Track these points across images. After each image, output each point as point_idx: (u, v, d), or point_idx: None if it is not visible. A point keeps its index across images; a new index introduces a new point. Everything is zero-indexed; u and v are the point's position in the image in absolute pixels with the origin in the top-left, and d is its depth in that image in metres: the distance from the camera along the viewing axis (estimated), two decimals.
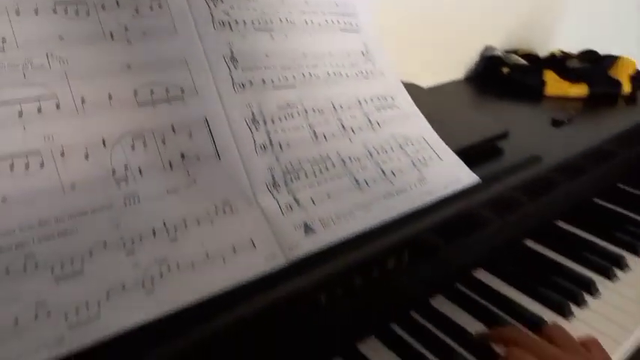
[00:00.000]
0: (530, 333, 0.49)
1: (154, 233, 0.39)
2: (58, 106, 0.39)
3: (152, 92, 0.43)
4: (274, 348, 0.44)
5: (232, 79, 0.48)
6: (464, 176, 0.56)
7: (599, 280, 0.60)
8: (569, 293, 0.57)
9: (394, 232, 0.48)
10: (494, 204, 0.58)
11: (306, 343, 0.47)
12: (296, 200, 0.47)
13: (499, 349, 0.49)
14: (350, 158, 0.52)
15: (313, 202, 0.47)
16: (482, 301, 0.56)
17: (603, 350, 0.45)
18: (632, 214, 0.74)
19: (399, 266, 0.51)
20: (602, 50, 0.96)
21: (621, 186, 0.83)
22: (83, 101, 0.40)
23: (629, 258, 0.64)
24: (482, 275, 0.61)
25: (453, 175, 0.56)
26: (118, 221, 0.38)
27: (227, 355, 0.39)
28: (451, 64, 0.99)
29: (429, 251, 0.54)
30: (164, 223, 0.40)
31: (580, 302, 0.56)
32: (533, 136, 0.71)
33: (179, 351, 0.36)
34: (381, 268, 0.49)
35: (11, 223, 0.34)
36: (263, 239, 0.43)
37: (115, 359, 0.34)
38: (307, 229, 0.45)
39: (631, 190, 0.82)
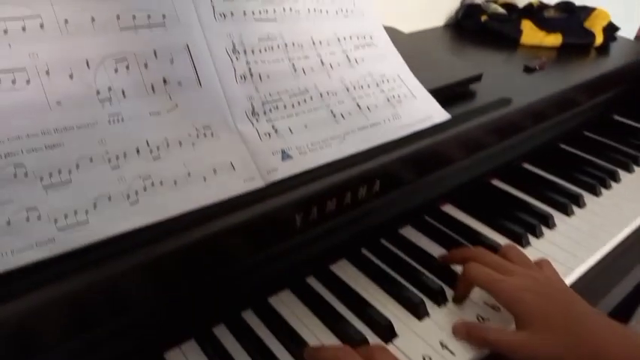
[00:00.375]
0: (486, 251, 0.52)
1: (138, 151, 0.41)
2: (42, 26, 0.40)
3: (134, 17, 0.44)
4: (250, 267, 0.47)
5: (213, 8, 0.49)
6: (436, 113, 0.59)
7: (557, 215, 0.64)
8: (528, 225, 0.61)
9: (366, 162, 0.51)
10: (463, 141, 0.61)
11: (283, 262, 0.50)
12: (274, 128, 0.49)
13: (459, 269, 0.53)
14: (327, 92, 0.54)
15: (291, 131, 0.50)
16: (448, 231, 0.60)
17: (553, 268, 0.49)
18: (594, 159, 0.78)
19: (370, 195, 0.54)
20: (579, 1, 0.98)
21: (587, 133, 0.87)
22: (66, 22, 0.41)
23: (587, 197, 0.69)
24: (449, 209, 0.65)
25: (425, 112, 0.59)
26: (102, 138, 0.40)
27: (205, 266, 0.43)
28: (432, 12, 1.00)
29: (399, 183, 0.57)
30: (147, 143, 0.42)
31: (538, 234, 0.61)
32: (505, 81, 0.74)
33: (156, 260, 0.38)
34: (353, 195, 0.52)
35: (0, 133, 0.36)
36: (242, 163, 0.46)
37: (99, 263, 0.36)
38: (284, 155, 0.48)
39: (596, 137, 0.86)
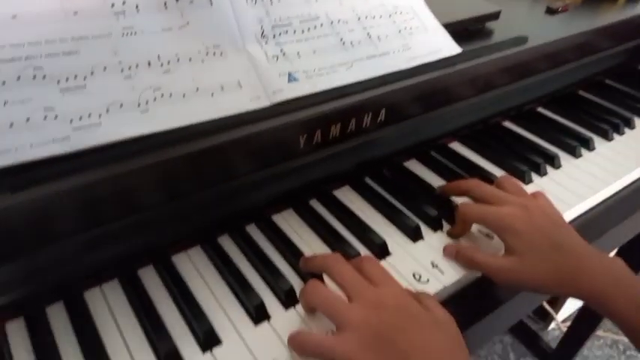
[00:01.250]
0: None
1: (149, 64, 0.43)
2: None
3: None
4: (255, 183, 0.50)
5: None
6: (446, 47, 0.59)
7: (563, 157, 0.65)
8: (532, 164, 0.62)
9: (372, 89, 0.52)
10: (473, 78, 0.61)
11: (287, 183, 0.52)
12: (282, 52, 0.50)
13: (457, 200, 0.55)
14: (338, 20, 0.55)
15: (299, 56, 0.51)
16: (452, 166, 0.61)
17: (548, 199, 0.50)
18: (611, 106, 0.77)
19: (375, 125, 0.55)
20: None
21: (609, 82, 0.85)
22: None
23: (598, 141, 0.69)
24: (456, 146, 0.66)
25: (436, 45, 0.59)
26: (116, 49, 0.42)
27: (209, 176, 0.45)
28: None
29: (405, 115, 0.58)
30: (158, 57, 0.44)
31: (542, 172, 0.61)
32: (525, 21, 0.73)
33: (161, 164, 0.41)
34: (358, 123, 0.53)
35: (21, 37, 0.38)
36: (249, 82, 0.47)
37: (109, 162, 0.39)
38: (291, 77, 0.49)
39: (617, 85, 0.84)
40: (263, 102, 0.47)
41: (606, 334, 1.45)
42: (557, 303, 1.41)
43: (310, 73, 0.50)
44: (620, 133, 0.71)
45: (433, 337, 0.36)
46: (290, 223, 0.52)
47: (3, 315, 0.40)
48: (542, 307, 1.42)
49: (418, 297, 0.40)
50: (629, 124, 0.73)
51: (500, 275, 0.45)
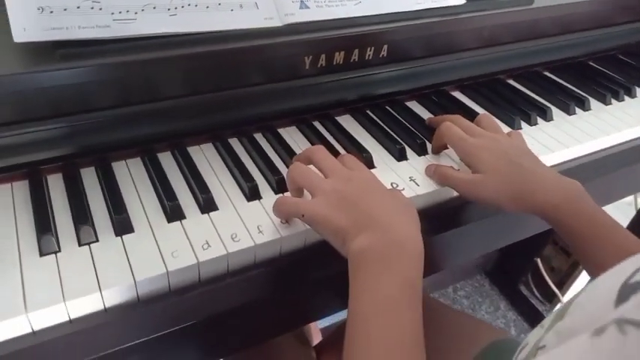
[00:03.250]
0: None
1: None
2: None
3: None
4: (263, 96, 0.57)
5: None
6: None
7: (557, 112, 0.69)
8: (524, 113, 0.67)
9: (375, 24, 0.59)
10: (475, 29, 0.67)
11: (292, 101, 0.59)
12: None
13: None
14: None
15: None
16: (449, 107, 0.67)
17: (522, 138, 0.56)
18: (617, 76, 0.80)
19: (377, 59, 0.61)
20: None
21: (621, 57, 0.88)
22: None
23: (595, 103, 0.73)
24: (457, 94, 0.72)
25: None
26: None
27: (223, 78, 0.53)
28: None
29: (408, 55, 0.64)
30: None
31: (532, 122, 0.66)
32: None
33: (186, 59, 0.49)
34: (361, 54, 0.60)
35: None
36: (265, 4, 0.55)
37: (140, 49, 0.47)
38: (302, 4, 0.57)
39: (629, 60, 0.87)
40: (275, 22, 0.55)
41: None
42: (566, 284, 1.43)
43: (321, 3, 0.57)
44: (620, 99, 0.75)
45: (390, 205, 0.43)
46: (292, 137, 0.59)
47: (46, 168, 0.49)
48: (549, 289, 1.45)
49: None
50: (630, 93, 0.76)
51: (464, 188, 0.51)
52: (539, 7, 0.70)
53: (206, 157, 0.54)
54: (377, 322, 0.36)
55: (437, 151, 0.59)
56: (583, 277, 1.41)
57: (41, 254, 0.42)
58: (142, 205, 0.47)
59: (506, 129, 0.63)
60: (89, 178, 0.50)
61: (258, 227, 0.47)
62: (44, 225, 0.43)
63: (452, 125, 0.55)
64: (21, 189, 0.48)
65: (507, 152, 0.51)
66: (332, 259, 0.43)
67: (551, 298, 1.48)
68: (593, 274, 0.48)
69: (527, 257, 1.48)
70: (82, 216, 0.45)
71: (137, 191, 0.49)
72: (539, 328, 0.33)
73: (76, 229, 0.44)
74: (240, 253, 0.45)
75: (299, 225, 0.47)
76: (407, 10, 0.61)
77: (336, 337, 0.71)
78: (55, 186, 0.48)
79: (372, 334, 0.37)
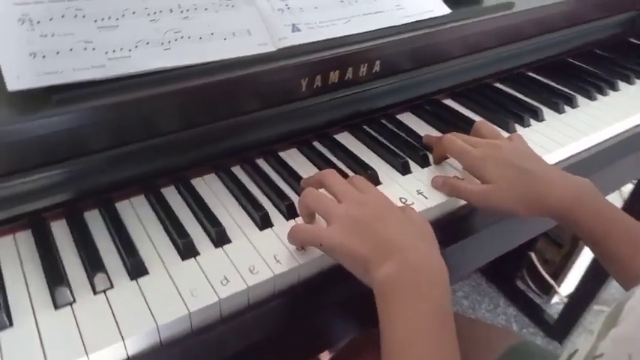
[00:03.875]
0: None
1: (171, 10, 0.50)
2: None
3: None
4: (264, 121, 0.57)
5: None
6: (437, 8, 0.65)
7: (547, 112, 0.70)
8: (517, 116, 0.68)
9: (367, 41, 0.59)
10: (462, 37, 0.68)
11: (291, 123, 0.59)
12: (287, 6, 0.57)
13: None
14: None
15: (301, 10, 0.58)
16: (443, 115, 0.68)
17: (523, 140, 0.56)
18: (598, 71, 0.82)
19: (370, 75, 0.62)
20: None
21: (599, 52, 0.90)
22: None
23: (582, 100, 0.74)
24: (449, 102, 0.72)
25: (428, 5, 0.65)
26: None
27: (223, 107, 0.52)
28: None
29: (399, 68, 0.64)
30: (179, 5, 0.51)
31: (525, 123, 0.67)
32: None
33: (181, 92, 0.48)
34: (355, 71, 0.60)
35: None
36: (257, 30, 0.54)
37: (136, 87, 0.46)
38: (294, 28, 0.56)
39: (607, 54, 0.89)
40: (269, 47, 0.54)
41: (602, 307, 1.48)
42: (560, 276, 1.45)
43: (312, 25, 0.57)
44: (604, 94, 0.77)
45: (407, 227, 0.42)
46: (294, 159, 0.59)
47: (48, 215, 0.47)
48: (545, 282, 1.46)
49: (399, 206, 0.46)
50: (613, 87, 0.78)
51: (477, 200, 0.51)
52: (520, 10, 0.71)
53: (211, 188, 0.53)
54: (413, 351, 0.36)
55: (439, 162, 0.59)
56: (577, 267, 1.43)
57: (56, 307, 0.40)
58: (153, 245, 0.46)
59: (502, 134, 0.64)
60: (94, 220, 0.48)
61: (274, 257, 0.46)
62: (56, 276, 0.42)
63: (453, 139, 0.55)
64: (24, 239, 0.46)
65: (511, 158, 0.52)
66: (347, 281, 0.43)
67: (548, 290, 1.49)
68: (612, 270, 0.49)
69: (520, 252, 1.50)
70: (93, 263, 0.43)
71: (145, 230, 0.48)
72: (587, 335, 0.32)
73: (89, 277, 0.42)
74: (261, 285, 0.44)
75: (315, 251, 0.46)
76: (395, 24, 0.62)
77: (349, 351, 0.70)
78: (60, 232, 0.47)
79: None
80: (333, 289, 0.48)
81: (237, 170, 0.56)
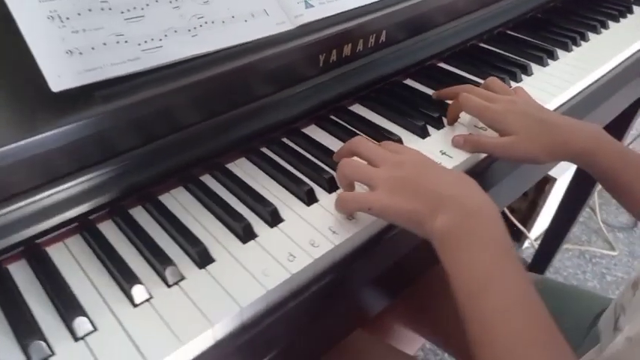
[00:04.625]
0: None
1: None
2: None
3: None
4: (283, 101, 0.57)
5: None
6: None
7: (535, 67, 0.75)
8: (510, 73, 0.72)
9: (374, 12, 0.60)
10: (452, 4, 0.71)
11: (308, 101, 0.60)
12: None
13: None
14: None
15: None
16: (441, 78, 0.71)
17: (526, 92, 0.60)
18: (569, 25, 0.88)
19: (377, 45, 0.63)
20: None
21: (562, 5, 0.96)
22: None
23: (560, 52, 0.79)
24: (444, 65, 0.75)
25: None
26: None
27: (249, 91, 0.53)
28: None
29: (400, 37, 0.66)
30: None
31: (517, 79, 0.71)
32: None
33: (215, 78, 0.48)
34: (365, 43, 0.61)
35: None
36: (273, 10, 0.54)
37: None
38: (307, 4, 0.57)
39: (571, 8, 0.95)
40: (288, 26, 0.55)
41: (574, 246, 1.61)
42: (528, 222, 1.55)
43: (323, 0, 0.58)
44: (577, 45, 0.82)
45: (449, 177, 0.45)
46: (316, 135, 0.60)
47: (97, 216, 0.46)
48: (515, 228, 1.56)
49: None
50: (584, 38, 0.84)
51: (501, 152, 0.55)
52: None
53: (246, 172, 0.53)
54: (486, 295, 0.39)
55: (453, 122, 0.62)
56: (543, 214, 1.53)
57: (134, 305, 0.40)
58: (209, 232, 0.47)
59: None
60: (141, 216, 0.48)
61: (329, 229, 0.47)
62: (125, 275, 0.41)
63: (469, 96, 0.57)
64: (74, 244, 0.45)
65: (527, 110, 0.55)
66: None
67: (519, 237, 1.60)
68: (623, 201, 0.54)
69: None
70: (159, 256, 0.43)
71: (196, 219, 0.48)
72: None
73: (158, 272, 0.42)
74: (325, 257, 0.45)
75: (365, 217, 0.48)
76: None
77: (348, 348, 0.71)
78: (111, 233, 0.46)
79: (485, 306, 0.39)
80: (380, 255, 0.50)
81: (266, 152, 0.56)
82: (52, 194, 0.44)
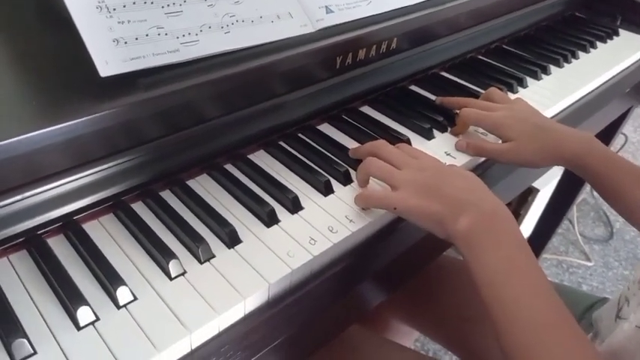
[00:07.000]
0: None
1: None
2: None
3: None
4: (301, 100, 0.61)
5: None
6: None
7: (529, 80, 0.80)
8: (507, 84, 0.77)
9: (388, 21, 0.65)
10: (456, 18, 0.76)
11: (322, 99, 0.64)
12: None
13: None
14: None
15: None
16: (443, 86, 0.75)
17: (524, 101, 0.65)
18: (560, 44, 0.94)
19: (388, 52, 0.68)
20: None
21: (552, 25, 1.02)
22: None
23: (554, 69, 0.85)
24: (446, 75, 0.80)
25: None
26: None
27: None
28: None
29: (409, 45, 0.71)
30: None
31: (514, 90, 0.77)
32: None
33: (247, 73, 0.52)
34: (377, 49, 0.66)
35: None
36: (297, 13, 0.58)
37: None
38: (328, 10, 0.61)
39: (561, 28, 1.01)
40: (309, 28, 0.58)
41: (552, 256, 1.67)
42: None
43: (341, 6, 0.62)
44: (569, 62, 0.88)
45: (465, 183, 0.49)
46: (330, 132, 0.63)
47: (129, 197, 0.49)
48: None
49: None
50: (575, 55, 0.90)
51: (503, 157, 0.59)
52: None
53: (267, 164, 0.57)
54: (508, 286, 0.43)
55: (460, 133, 0.65)
56: (524, 224, 1.59)
57: (170, 278, 0.43)
58: (236, 217, 0.50)
59: None
60: (171, 199, 0.50)
61: (346, 217, 0.51)
62: (161, 251, 0.44)
63: (470, 110, 0.62)
64: (109, 222, 0.48)
65: (526, 117, 0.60)
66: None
67: None
68: (615, 204, 0.59)
69: None
70: (192, 235, 0.46)
71: (222, 204, 0.51)
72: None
73: (191, 249, 0.45)
74: (343, 242, 0.49)
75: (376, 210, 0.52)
76: (410, 4, 0.68)
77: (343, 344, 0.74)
78: (144, 214, 0.49)
79: (506, 296, 0.43)
80: (391, 243, 0.54)
81: (284, 145, 0.60)
82: (88, 174, 0.47)
